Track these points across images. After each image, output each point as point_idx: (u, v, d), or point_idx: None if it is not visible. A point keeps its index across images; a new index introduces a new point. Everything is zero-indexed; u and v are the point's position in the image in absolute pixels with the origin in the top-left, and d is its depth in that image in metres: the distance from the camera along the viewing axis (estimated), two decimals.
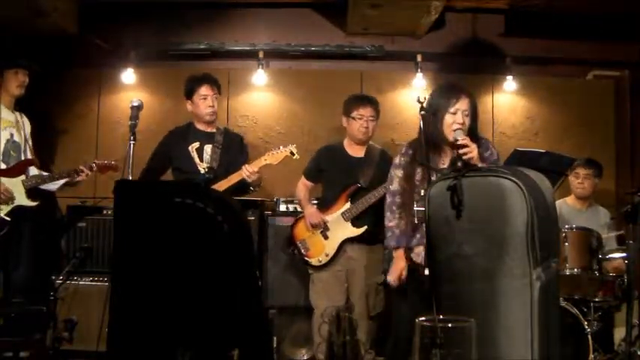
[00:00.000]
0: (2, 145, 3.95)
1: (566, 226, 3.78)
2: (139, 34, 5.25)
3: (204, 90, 3.89)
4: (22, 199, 3.91)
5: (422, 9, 4.73)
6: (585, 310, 3.61)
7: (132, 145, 3.05)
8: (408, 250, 3.06)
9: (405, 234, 3.04)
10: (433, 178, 2.88)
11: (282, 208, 4.73)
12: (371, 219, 3.83)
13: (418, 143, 3.00)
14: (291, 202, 4.71)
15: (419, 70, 5.22)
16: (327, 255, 3.95)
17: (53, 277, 3.80)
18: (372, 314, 3.98)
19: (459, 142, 2.84)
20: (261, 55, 5.24)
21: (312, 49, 5.33)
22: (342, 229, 3.94)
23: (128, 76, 5.21)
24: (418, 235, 3.01)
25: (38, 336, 3.52)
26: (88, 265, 4.19)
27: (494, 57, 5.35)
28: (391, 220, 3.08)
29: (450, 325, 1.87)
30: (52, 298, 3.59)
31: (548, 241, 2.26)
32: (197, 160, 3.89)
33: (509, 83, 5.33)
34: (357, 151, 4.04)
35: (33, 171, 4.06)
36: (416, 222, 2.97)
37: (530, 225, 2.14)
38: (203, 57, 5.33)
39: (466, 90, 3.00)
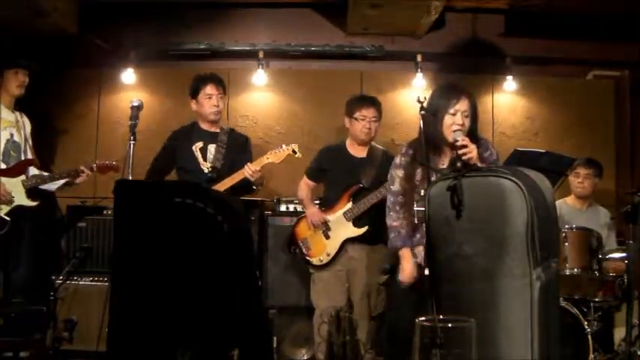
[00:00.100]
0: (2, 145, 3.95)
1: (566, 226, 3.78)
2: (139, 34, 5.25)
3: (210, 89, 3.88)
4: (22, 199, 3.91)
5: (422, 9, 4.73)
6: (585, 310, 3.61)
7: (132, 145, 3.05)
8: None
9: (410, 234, 3.04)
10: (433, 179, 2.90)
11: (282, 207, 4.73)
12: (372, 219, 3.83)
13: (418, 143, 3.00)
14: (292, 201, 4.72)
15: (419, 70, 5.22)
16: (328, 255, 3.96)
17: (53, 277, 3.81)
18: (373, 314, 3.99)
19: (458, 143, 2.84)
20: (261, 55, 5.24)
21: (312, 49, 5.33)
22: (343, 228, 3.95)
23: (128, 76, 5.21)
24: (418, 235, 3.01)
25: (38, 336, 3.52)
26: (88, 265, 4.19)
27: (494, 57, 5.35)
28: (395, 220, 3.08)
29: (450, 325, 1.87)
30: (52, 298, 3.59)
31: (548, 241, 2.26)
32: (201, 159, 3.88)
33: (509, 83, 5.34)
34: (359, 152, 4.05)
35: (33, 171, 4.07)
36: (416, 222, 2.98)
37: (530, 225, 2.14)
38: (203, 57, 5.33)
39: (466, 91, 2.99)
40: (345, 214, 3.94)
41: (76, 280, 4.19)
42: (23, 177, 3.96)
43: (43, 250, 4.17)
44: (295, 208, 4.67)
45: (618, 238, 4.31)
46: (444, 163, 3.03)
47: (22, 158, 4.04)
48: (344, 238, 3.94)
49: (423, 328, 1.88)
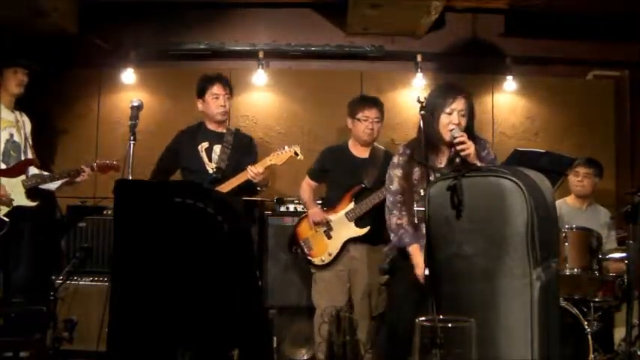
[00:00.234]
0: (2, 145, 3.96)
1: (566, 226, 3.78)
2: (139, 34, 5.25)
3: (217, 89, 3.88)
4: (22, 200, 3.91)
5: (422, 9, 4.73)
6: (585, 310, 3.61)
7: (132, 145, 3.05)
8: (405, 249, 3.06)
9: (414, 231, 3.04)
10: (432, 178, 2.91)
11: (283, 207, 4.73)
12: (374, 219, 3.83)
13: (416, 143, 3.03)
14: (292, 201, 4.72)
15: (419, 70, 5.22)
16: (330, 254, 3.96)
17: (53, 277, 3.81)
18: (374, 314, 3.99)
19: (456, 140, 2.86)
20: (261, 55, 5.24)
21: (312, 49, 5.33)
22: (345, 228, 3.95)
23: (128, 76, 5.21)
24: (416, 235, 3.02)
25: (38, 336, 3.52)
26: (88, 265, 4.19)
27: (494, 57, 5.35)
28: (400, 218, 3.08)
29: (450, 325, 1.87)
30: (52, 298, 3.59)
31: (548, 241, 2.26)
32: (206, 159, 3.88)
33: (509, 83, 5.34)
34: (361, 152, 4.06)
35: (33, 170, 4.07)
36: (416, 222, 2.98)
37: (530, 225, 2.14)
38: (203, 57, 5.33)
39: (463, 90, 3.01)
40: (347, 214, 3.95)
41: (76, 280, 4.19)
42: (23, 177, 3.97)
43: (43, 250, 4.17)
44: (295, 208, 4.67)
45: (618, 235, 4.31)
46: (441, 162, 3.05)
47: (22, 158, 4.05)
48: (346, 238, 3.95)
49: (423, 328, 1.88)
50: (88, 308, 4.06)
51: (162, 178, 3.97)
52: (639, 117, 5.37)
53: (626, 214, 3.18)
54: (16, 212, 3.87)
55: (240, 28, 5.39)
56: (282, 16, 5.40)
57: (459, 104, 2.94)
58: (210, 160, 3.88)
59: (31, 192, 3.96)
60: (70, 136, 5.31)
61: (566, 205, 4.39)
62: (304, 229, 4.07)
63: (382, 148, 4.11)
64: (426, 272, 2.34)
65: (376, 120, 4.00)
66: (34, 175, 4.02)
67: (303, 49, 5.33)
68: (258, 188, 3.91)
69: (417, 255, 3.00)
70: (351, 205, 3.96)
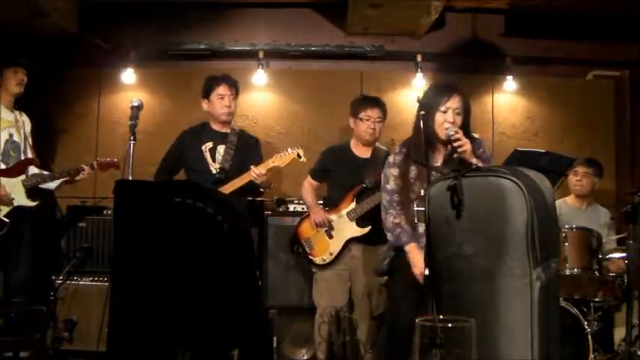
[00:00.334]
0: (2, 145, 3.95)
1: (566, 226, 3.78)
2: (139, 34, 5.25)
3: (222, 89, 3.88)
4: (22, 199, 3.91)
5: (422, 9, 4.73)
6: (585, 310, 3.61)
7: (132, 145, 3.05)
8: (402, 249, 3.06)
9: (412, 230, 3.04)
10: (431, 178, 2.91)
11: (283, 207, 4.73)
12: (375, 219, 3.82)
13: (412, 142, 3.06)
14: (292, 201, 4.72)
15: (419, 70, 5.22)
16: (331, 254, 3.97)
17: (53, 277, 3.80)
18: (374, 314, 4.00)
19: (452, 137, 2.88)
20: (261, 55, 5.24)
21: (312, 49, 5.33)
22: (346, 228, 3.96)
23: (128, 76, 5.21)
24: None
25: (38, 336, 3.52)
26: (88, 265, 4.19)
27: (494, 57, 5.35)
28: (396, 217, 3.08)
29: (450, 325, 1.87)
30: (52, 298, 3.59)
31: (548, 241, 2.26)
32: (209, 160, 3.88)
33: (509, 83, 5.34)
34: (363, 152, 4.06)
35: (33, 170, 4.06)
36: (416, 221, 2.98)
37: (530, 225, 2.14)
38: (203, 57, 5.33)
39: (458, 89, 3.04)
40: (348, 213, 3.96)
41: (76, 280, 4.19)
42: (23, 177, 3.96)
43: (43, 250, 4.17)
44: (295, 208, 4.67)
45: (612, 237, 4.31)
46: (437, 160, 3.06)
47: (22, 158, 4.04)
48: (347, 238, 3.95)
49: (423, 328, 1.88)
50: (88, 308, 4.06)
51: (166, 178, 3.97)
52: (639, 117, 5.37)
53: (626, 214, 3.18)
54: (17, 212, 3.87)
55: (240, 28, 5.38)
56: (282, 16, 5.40)
57: (453, 102, 2.97)
58: (213, 160, 3.87)
59: (31, 192, 3.96)
60: (70, 136, 5.31)
61: (565, 205, 4.39)
62: (306, 229, 4.08)
63: (384, 148, 4.12)
64: (426, 272, 2.33)
65: (378, 120, 4.01)
66: (34, 175, 4.02)
67: (303, 49, 5.33)
68: (261, 190, 3.92)
69: (414, 254, 3.00)
70: (353, 204, 3.96)
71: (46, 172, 4.10)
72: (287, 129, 5.35)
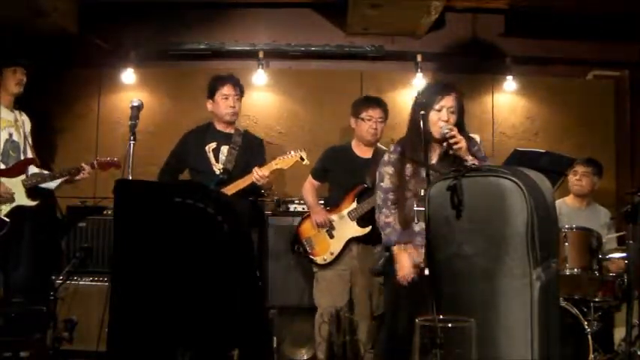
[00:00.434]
0: (1, 145, 3.95)
1: (566, 226, 3.78)
2: (139, 34, 5.25)
3: (227, 90, 3.88)
4: (22, 199, 3.91)
5: (422, 9, 4.73)
6: (585, 310, 3.61)
7: (132, 145, 3.05)
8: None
9: (403, 230, 3.04)
10: (419, 173, 2.95)
11: (284, 207, 4.72)
12: None
13: (408, 140, 3.08)
14: (292, 202, 4.72)
15: (419, 70, 5.22)
16: (332, 254, 3.97)
17: (53, 277, 3.80)
18: (375, 314, 4.00)
19: (447, 135, 2.90)
20: (261, 55, 5.24)
21: (312, 49, 5.33)
22: (347, 228, 3.96)
23: (128, 76, 5.21)
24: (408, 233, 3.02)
25: (38, 336, 3.52)
26: (88, 265, 4.18)
27: (494, 57, 5.34)
28: (389, 216, 3.10)
29: (450, 325, 1.87)
30: (52, 298, 3.59)
31: (548, 241, 2.26)
32: (213, 160, 3.88)
33: (509, 83, 5.34)
34: (364, 152, 4.07)
35: (33, 170, 4.06)
36: (415, 221, 2.98)
37: (530, 225, 2.14)
38: (203, 57, 5.33)
39: (452, 88, 3.06)
40: (349, 213, 3.96)
41: (76, 280, 4.19)
42: (23, 176, 3.96)
43: (43, 250, 4.17)
44: (295, 208, 4.67)
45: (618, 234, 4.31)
46: (432, 158, 3.07)
47: (22, 158, 4.04)
48: (348, 238, 3.96)
49: (423, 328, 1.88)
50: (88, 308, 4.06)
51: (170, 178, 3.96)
52: (639, 117, 5.37)
53: (626, 214, 3.18)
54: (17, 212, 3.87)
55: (240, 28, 5.38)
56: (282, 16, 5.39)
57: (447, 101, 2.99)
58: (217, 160, 3.87)
59: (31, 191, 3.96)
60: (70, 136, 5.31)
61: (565, 206, 4.39)
62: (307, 229, 4.09)
63: (385, 148, 4.11)
64: (426, 272, 2.34)
65: (380, 120, 4.01)
66: (34, 175, 4.02)
67: (303, 49, 5.33)
68: (263, 191, 3.92)
69: (401, 256, 3.02)
70: (354, 204, 3.97)
71: (46, 172, 4.10)
72: (287, 129, 5.34)
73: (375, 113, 4.00)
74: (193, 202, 2.20)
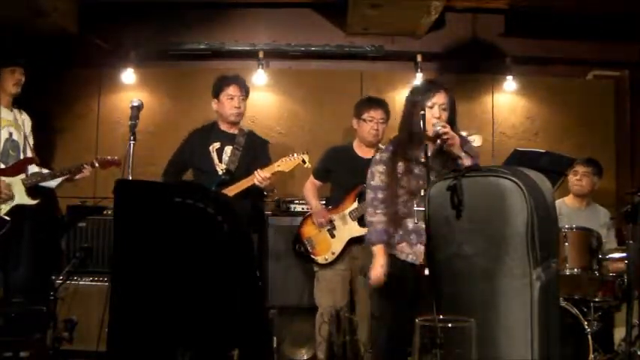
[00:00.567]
0: (1, 145, 3.96)
1: (566, 226, 3.77)
2: (139, 34, 5.25)
3: (232, 90, 3.87)
4: (22, 198, 3.91)
5: (422, 9, 4.73)
6: (585, 310, 3.61)
7: (132, 145, 3.05)
8: (390, 247, 3.06)
9: (386, 230, 3.04)
10: (417, 171, 2.97)
11: (284, 208, 4.73)
12: None
13: (400, 139, 3.10)
14: (292, 202, 4.73)
15: (419, 70, 5.22)
16: (333, 253, 3.99)
17: (53, 277, 3.80)
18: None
19: (440, 131, 2.91)
20: (261, 55, 5.24)
21: (312, 49, 5.33)
22: (348, 228, 3.97)
23: (128, 76, 5.21)
24: (401, 232, 3.02)
25: (38, 336, 3.52)
26: (88, 265, 4.18)
27: (494, 57, 5.35)
28: (373, 216, 3.10)
29: (450, 325, 1.87)
30: (52, 298, 3.59)
31: (548, 241, 2.26)
32: (216, 160, 3.87)
33: (509, 83, 5.34)
34: (366, 153, 4.07)
35: (33, 169, 4.06)
36: (416, 221, 2.98)
37: (530, 225, 2.14)
38: (203, 57, 5.33)
39: (443, 85, 3.09)
40: (350, 213, 3.97)
41: (76, 280, 4.19)
42: (23, 176, 3.96)
43: (43, 249, 4.17)
44: (295, 208, 4.68)
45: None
46: (424, 156, 3.06)
47: (22, 157, 4.04)
48: (349, 237, 3.96)
49: (423, 328, 1.88)
50: (88, 308, 4.06)
51: (173, 177, 3.96)
52: (639, 117, 5.37)
53: (626, 214, 3.18)
54: (16, 211, 3.87)
55: (240, 28, 5.38)
56: (282, 16, 5.39)
57: (439, 98, 3.00)
58: (220, 160, 3.87)
59: (31, 190, 3.96)
60: (70, 136, 5.31)
61: (565, 206, 4.38)
62: (308, 228, 4.10)
63: None
64: (426, 272, 2.34)
65: (381, 121, 4.02)
66: (34, 174, 4.02)
67: (303, 49, 5.33)
68: (265, 193, 3.92)
69: (379, 255, 3.04)
70: (355, 204, 3.97)
71: (45, 171, 4.10)
72: (287, 129, 5.35)
73: (376, 114, 4.01)
74: (193, 202, 2.20)
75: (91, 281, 4.32)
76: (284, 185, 4.89)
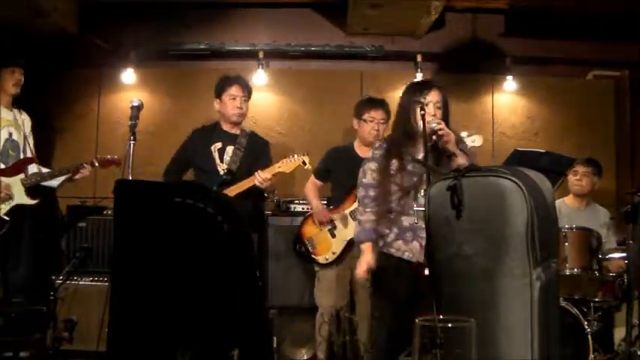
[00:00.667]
0: (1, 145, 3.96)
1: (566, 226, 3.77)
2: (139, 34, 5.25)
3: (235, 90, 3.87)
4: (21, 198, 3.91)
5: (422, 9, 4.73)
6: (585, 310, 3.61)
7: (132, 145, 3.05)
8: (386, 245, 3.06)
9: (375, 229, 3.04)
10: (410, 167, 2.99)
11: (284, 208, 4.73)
12: None
13: (394, 138, 3.12)
14: (292, 202, 4.73)
15: (419, 70, 5.22)
16: (334, 253, 4.00)
17: (53, 277, 3.80)
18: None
19: (435, 128, 2.91)
20: (261, 55, 5.24)
21: (312, 49, 5.33)
22: (349, 227, 3.98)
23: (128, 76, 5.21)
24: (396, 229, 3.02)
25: (38, 336, 3.52)
26: (88, 265, 4.18)
27: (494, 57, 5.34)
28: (362, 214, 3.11)
29: (450, 325, 1.87)
30: (52, 298, 3.59)
31: (548, 241, 2.26)
32: (218, 160, 3.87)
33: (509, 83, 5.34)
34: (366, 153, 4.03)
35: (32, 169, 4.06)
36: (415, 222, 2.98)
37: (530, 225, 2.14)
38: (203, 57, 5.33)
39: (436, 84, 3.11)
40: (351, 213, 3.98)
41: (76, 280, 4.19)
42: (22, 175, 3.96)
43: (42, 249, 4.17)
44: (295, 208, 4.68)
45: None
46: (418, 153, 3.08)
47: (21, 157, 4.04)
48: (349, 237, 3.96)
49: (423, 328, 1.88)
50: (88, 308, 4.06)
51: (175, 176, 3.96)
52: (639, 117, 5.37)
53: (626, 214, 3.18)
54: (16, 211, 3.87)
55: (240, 28, 5.38)
56: (282, 16, 5.39)
57: (433, 96, 3.02)
58: (222, 161, 3.87)
59: (31, 190, 3.96)
60: (70, 136, 5.31)
61: (565, 206, 4.38)
62: (309, 228, 4.11)
63: None
64: (426, 272, 2.34)
65: (382, 121, 4.03)
66: (34, 174, 4.02)
67: (303, 49, 5.33)
68: (265, 194, 3.92)
69: (366, 252, 3.05)
70: (356, 204, 3.96)
71: (45, 170, 4.10)
72: (287, 129, 5.35)
73: (377, 114, 4.02)
74: (193, 202, 2.20)
75: (91, 281, 4.32)
76: (284, 185, 4.88)
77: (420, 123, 2.94)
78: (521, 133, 5.41)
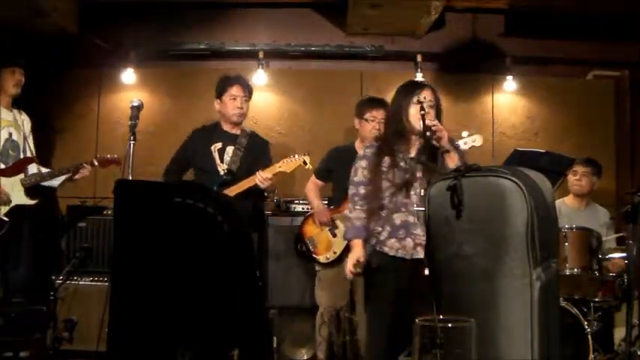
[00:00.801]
0: (1, 145, 3.96)
1: (566, 226, 3.77)
2: (139, 34, 5.25)
3: (235, 90, 3.86)
4: (21, 198, 3.91)
5: (422, 9, 4.73)
6: (585, 310, 3.61)
7: (132, 145, 3.05)
8: (379, 244, 3.06)
9: (365, 226, 3.04)
10: (402, 164, 2.98)
11: (284, 208, 4.73)
12: None
13: (387, 135, 3.12)
14: (292, 202, 4.73)
15: (419, 70, 5.22)
16: (334, 252, 4.01)
17: (53, 277, 3.80)
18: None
19: (429, 125, 2.91)
20: (261, 55, 5.24)
21: (312, 49, 5.33)
22: None
23: (128, 76, 5.21)
24: (388, 227, 3.01)
25: (38, 336, 3.52)
26: (88, 265, 4.18)
27: (494, 57, 5.35)
28: (351, 212, 3.11)
29: (450, 325, 1.87)
30: (52, 298, 3.59)
31: (548, 241, 2.26)
32: (218, 160, 3.87)
33: (509, 83, 5.34)
34: None
35: (32, 169, 4.06)
36: (413, 221, 2.97)
37: (530, 225, 2.14)
38: (203, 57, 5.33)
39: (428, 84, 3.15)
40: None
41: (76, 280, 4.19)
42: (22, 176, 3.96)
43: (42, 249, 4.17)
44: (295, 208, 4.68)
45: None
46: (411, 151, 3.08)
47: (21, 157, 4.04)
48: None
49: (423, 328, 1.88)
50: (88, 308, 4.06)
51: (175, 176, 3.96)
52: (639, 117, 5.37)
53: (626, 214, 3.18)
54: (16, 211, 3.87)
55: (240, 28, 5.38)
56: (282, 16, 5.39)
57: (426, 94, 3.03)
58: (222, 161, 3.86)
59: (31, 190, 3.96)
60: (70, 136, 5.31)
61: (564, 206, 4.38)
62: (310, 228, 4.12)
63: None
64: (426, 272, 2.34)
65: (383, 121, 4.02)
66: (34, 174, 4.02)
67: (303, 49, 5.33)
68: (266, 194, 3.92)
69: (355, 249, 3.05)
70: None
71: (45, 170, 4.10)
72: (287, 129, 5.35)
73: (378, 114, 4.01)
74: (193, 202, 2.20)
75: (91, 281, 4.32)
76: (284, 185, 4.88)
77: (420, 122, 2.95)
78: (521, 133, 5.42)
